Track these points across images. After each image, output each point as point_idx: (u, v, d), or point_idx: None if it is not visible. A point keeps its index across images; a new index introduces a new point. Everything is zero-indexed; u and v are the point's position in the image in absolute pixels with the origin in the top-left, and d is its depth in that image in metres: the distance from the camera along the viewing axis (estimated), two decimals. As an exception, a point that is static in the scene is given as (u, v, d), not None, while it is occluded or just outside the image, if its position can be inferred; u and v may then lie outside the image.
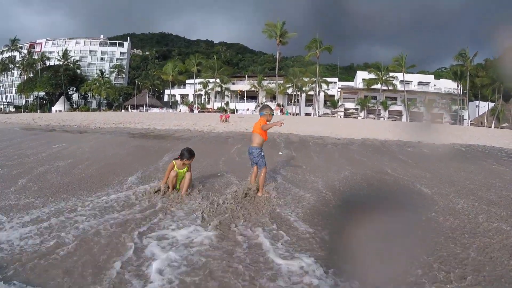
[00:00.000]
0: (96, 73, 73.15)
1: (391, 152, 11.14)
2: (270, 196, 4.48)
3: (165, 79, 61.20)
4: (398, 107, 53.29)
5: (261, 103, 54.10)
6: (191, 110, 52.48)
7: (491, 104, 53.57)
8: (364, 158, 9.07)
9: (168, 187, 4.43)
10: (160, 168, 6.17)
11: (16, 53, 72.86)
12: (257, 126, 4.67)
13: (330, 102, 52.79)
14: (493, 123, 50.54)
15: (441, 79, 58.02)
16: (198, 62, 57.82)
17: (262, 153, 4.66)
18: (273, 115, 4.76)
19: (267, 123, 4.62)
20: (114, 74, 76.20)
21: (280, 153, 9.04)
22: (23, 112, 59.31)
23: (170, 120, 26.12)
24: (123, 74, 78.68)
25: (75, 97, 74.75)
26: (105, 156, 8.17)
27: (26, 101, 72.74)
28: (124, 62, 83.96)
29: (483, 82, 51.33)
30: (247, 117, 35.35)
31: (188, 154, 4.33)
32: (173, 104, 60.91)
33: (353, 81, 58.79)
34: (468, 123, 53.44)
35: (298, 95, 53.36)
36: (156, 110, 55.56)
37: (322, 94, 52.85)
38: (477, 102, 57.01)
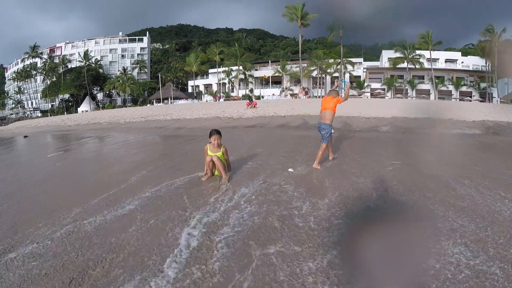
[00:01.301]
0: (119, 71, 74.61)
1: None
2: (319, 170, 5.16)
3: (188, 71, 61.96)
4: (425, 86, 52.26)
5: (286, 88, 54.21)
6: (216, 99, 52.98)
7: (522, 80, 52.03)
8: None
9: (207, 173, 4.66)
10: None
11: (37, 59, 75.12)
12: (328, 103, 5.42)
13: (356, 83, 52.27)
14: (523, 100, 49.13)
15: (468, 56, 56.55)
16: (220, 51, 58.17)
17: (332, 131, 5.41)
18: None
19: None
20: (136, 70, 77.55)
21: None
22: (50, 115, 61.17)
23: (198, 110, 26.55)
24: (145, 69, 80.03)
25: (99, 96, 76.46)
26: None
27: (52, 105, 74.96)
28: (145, 57, 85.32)
29: (512, 57, 49.96)
30: (274, 102, 35.48)
31: (214, 131, 4.47)
32: (197, 95, 61.64)
33: (378, 60, 57.94)
34: (497, 100, 52.04)
35: (323, 77, 53.07)
36: (181, 102, 56.26)
37: (347, 75, 52.39)
38: (506, 79, 55.42)
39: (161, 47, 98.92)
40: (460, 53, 57.93)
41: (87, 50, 75.15)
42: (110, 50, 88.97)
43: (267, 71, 57.42)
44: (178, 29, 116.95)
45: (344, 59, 50.84)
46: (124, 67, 75.03)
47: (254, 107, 24.80)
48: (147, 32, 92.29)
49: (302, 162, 5.82)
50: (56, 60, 77.47)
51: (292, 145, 8.14)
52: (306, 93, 50.37)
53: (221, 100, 51.90)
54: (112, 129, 16.24)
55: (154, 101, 62.04)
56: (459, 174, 4.64)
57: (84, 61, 70.35)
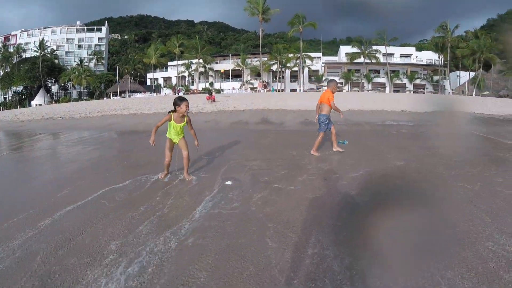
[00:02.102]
0: (75, 62, 70.75)
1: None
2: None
3: (147, 63, 59.80)
4: (381, 79, 53.95)
5: (246, 82, 53.77)
6: (175, 93, 51.64)
7: (472, 74, 54.83)
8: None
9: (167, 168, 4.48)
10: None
11: (-11, 49, 69.45)
12: (325, 97, 5.81)
13: (315, 77, 52.85)
14: (473, 92, 51.88)
15: (422, 51, 58.85)
16: (180, 43, 56.50)
17: (327, 121, 5.80)
18: (337, 87, 6.02)
19: (333, 97, 5.78)
20: (93, 62, 73.87)
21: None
22: (2, 109, 57.08)
23: (156, 104, 25.57)
24: (102, 61, 76.31)
25: (54, 88, 72.21)
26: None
27: (4, 98, 70.02)
28: (103, 48, 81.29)
29: (464, 53, 52.54)
30: (234, 96, 35.07)
31: (183, 98, 4.28)
32: (156, 88, 59.69)
33: (336, 55, 58.89)
34: (449, 92, 54.72)
35: (282, 71, 53.12)
36: (139, 95, 54.26)
37: (306, 69, 52.79)
38: (458, 72, 58.32)
39: (120, 38, 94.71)
40: (414, 48, 60.16)
41: (43, 40, 70.55)
42: (67, 39, 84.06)
43: (227, 65, 56.64)
44: (138, 20, 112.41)
45: (303, 53, 51.09)
46: (80, 58, 71.22)
47: (213, 101, 24.40)
48: (106, 21, 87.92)
49: (258, 157, 5.86)
50: (11, 49, 72.02)
51: (252, 140, 8.19)
52: (265, 87, 50.23)
53: (180, 93, 50.59)
54: (67, 124, 15.10)
55: (111, 95, 59.54)
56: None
57: (40, 51, 65.84)
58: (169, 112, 4.26)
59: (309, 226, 2.83)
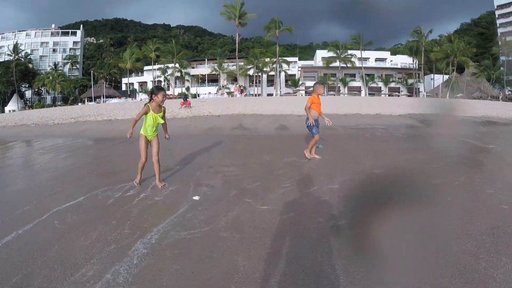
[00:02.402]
0: (49, 66, 68.79)
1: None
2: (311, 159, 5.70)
3: (122, 67, 58.59)
4: (357, 83, 54.59)
5: (223, 86, 53.38)
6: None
7: (445, 77, 56.13)
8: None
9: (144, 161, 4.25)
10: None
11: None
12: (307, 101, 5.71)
13: (291, 81, 52.95)
14: (447, 94, 53.09)
15: (397, 55, 59.96)
16: (156, 48, 55.58)
17: (310, 124, 5.61)
18: (323, 90, 5.86)
19: (316, 101, 5.61)
20: (67, 66, 72.00)
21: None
22: None
23: (131, 110, 24.92)
24: (77, 65, 74.52)
25: (28, 94, 69.92)
26: None
27: (-22, 104, 67.42)
28: (78, 52, 79.43)
29: (438, 56, 53.79)
30: (210, 101, 34.60)
31: (161, 87, 4.23)
32: (131, 93, 58.56)
33: (312, 60, 59.26)
34: (424, 95, 55.81)
35: (259, 76, 53.01)
36: (114, 100, 53.11)
37: (283, 74, 52.88)
38: (432, 75, 59.64)
39: (95, 42, 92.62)
40: (389, 52, 61.20)
41: (17, 43, 68.36)
42: (42, 43, 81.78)
43: (204, 69, 56.09)
44: (114, 23, 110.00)
45: (280, 58, 51.14)
46: (55, 62, 69.25)
47: (189, 106, 23.90)
48: (81, 25, 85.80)
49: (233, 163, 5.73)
50: (-17, 53, 69.53)
51: (226, 145, 8.01)
52: (242, 91, 49.96)
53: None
54: (40, 131, 14.49)
55: (86, 100, 58.08)
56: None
57: (13, 55, 63.70)
58: (146, 104, 4.14)
59: (282, 261, 2.43)
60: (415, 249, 2.55)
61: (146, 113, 4.08)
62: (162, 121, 4.23)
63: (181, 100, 26.71)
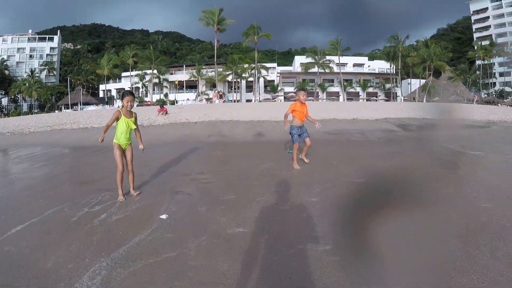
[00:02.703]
0: (26, 73, 67.09)
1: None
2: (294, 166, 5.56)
3: (100, 74, 57.65)
4: (335, 88, 55.07)
5: (202, 92, 53.05)
6: (129, 105, 50.01)
7: (422, 81, 57.26)
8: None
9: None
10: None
11: None
12: None
13: (270, 87, 53.04)
14: (424, 98, 54.08)
15: (375, 60, 60.87)
16: (134, 54, 54.96)
17: (290, 131, 5.67)
18: (304, 97, 5.68)
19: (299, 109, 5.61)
20: (44, 72, 70.38)
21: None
22: None
23: (107, 117, 24.37)
24: (54, 71, 72.97)
25: (4, 101, 67.96)
26: None
27: (-48, 112, 65.09)
28: (55, 58, 77.74)
29: (414, 61, 54.88)
30: (188, 107, 34.20)
31: (127, 92, 4.16)
32: (109, 100, 57.55)
33: (291, 65, 59.56)
34: (401, 99, 56.72)
35: (238, 82, 52.89)
36: (91, 107, 52.11)
37: (262, 79, 52.92)
38: (409, 79, 60.72)
39: (72, 48, 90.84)
40: (367, 58, 62.05)
41: (-7, 49, 66.57)
42: (18, 49, 79.75)
43: (182, 75, 55.63)
44: (92, 29, 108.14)
45: (258, 64, 51.17)
46: (32, 68, 67.57)
47: (165, 113, 23.57)
48: (59, 30, 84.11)
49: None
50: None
51: (202, 152, 7.95)
52: (221, 97, 49.74)
53: (134, 105, 49.15)
54: (15, 140, 14.09)
55: (63, 107, 56.83)
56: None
57: (-11, 61, 62.03)
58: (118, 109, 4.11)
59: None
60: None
61: (118, 118, 4.01)
62: (134, 126, 4.13)
63: (158, 107, 26.52)
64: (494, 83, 70.59)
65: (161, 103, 31.27)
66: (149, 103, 50.15)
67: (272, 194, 4.21)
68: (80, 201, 4.10)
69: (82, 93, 57.05)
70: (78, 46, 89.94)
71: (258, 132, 12.10)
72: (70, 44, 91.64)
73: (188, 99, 51.22)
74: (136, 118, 4.22)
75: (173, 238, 3.00)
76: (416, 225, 3.16)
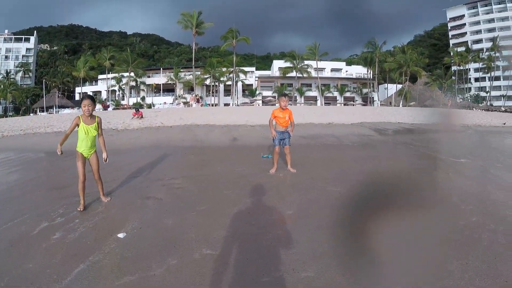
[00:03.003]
0: (1, 74, 65.31)
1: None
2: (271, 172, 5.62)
3: (76, 76, 56.62)
4: (313, 93, 55.67)
5: (179, 96, 52.73)
6: (105, 108, 49.22)
7: (399, 86, 58.37)
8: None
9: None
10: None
11: None
12: None
13: (248, 91, 53.20)
14: (401, 103, 55.13)
15: (352, 65, 61.90)
16: (111, 56, 54.11)
17: (277, 137, 5.59)
18: (285, 103, 5.61)
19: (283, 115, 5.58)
20: (20, 74, 68.66)
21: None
22: None
23: None
24: (30, 73, 71.28)
25: (-21, 104, 66.09)
26: None
27: None
28: (31, 60, 75.82)
29: (391, 66, 55.96)
30: (164, 111, 33.91)
31: (86, 95, 4.05)
32: (85, 103, 56.61)
33: (269, 70, 59.93)
34: (378, 104, 57.76)
35: (216, 85, 52.81)
36: (67, 110, 51.05)
37: (240, 83, 52.99)
38: (385, 84, 61.94)
39: (49, 49, 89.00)
40: (345, 63, 62.98)
41: (-32, 49, 64.54)
42: (-6, 49, 77.73)
43: (159, 78, 55.20)
44: (69, 30, 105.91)
45: (237, 68, 51.22)
46: (7, 70, 65.78)
47: (141, 117, 23.25)
48: (35, 31, 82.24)
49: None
50: None
51: (175, 157, 7.82)
52: (198, 101, 49.49)
53: (110, 109, 48.38)
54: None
55: (38, 110, 55.56)
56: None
57: (-36, 62, 60.01)
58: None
59: None
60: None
61: (77, 125, 3.86)
62: (95, 133, 3.96)
63: (133, 111, 26.17)
64: (470, 88, 72.70)
65: (137, 107, 30.93)
66: (125, 106, 49.54)
67: (245, 206, 4.01)
68: (45, 212, 3.93)
69: (58, 96, 55.93)
70: (55, 47, 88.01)
71: (233, 137, 12.14)
72: (46, 45, 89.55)
73: (165, 103, 50.77)
74: (99, 124, 4.03)
75: (135, 258, 2.75)
76: (398, 236, 3.01)
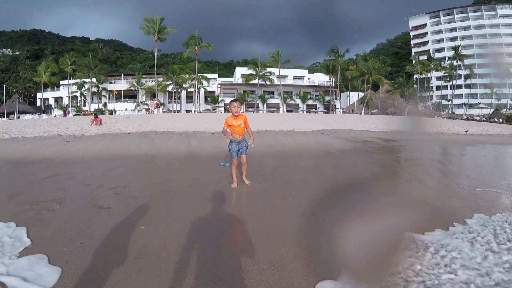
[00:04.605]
0: (-39, 78, 63.63)
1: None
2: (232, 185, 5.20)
3: (37, 81, 55.87)
4: (275, 100, 56.79)
5: (141, 102, 52.86)
6: (66, 114, 48.84)
7: (361, 94, 60.08)
8: None
9: None
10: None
11: None
12: None
13: (211, 98, 53.88)
14: (363, 111, 56.95)
15: (315, 73, 63.48)
16: (73, 61, 53.75)
17: (229, 146, 5.18)
18: (236, 108, 5.08)
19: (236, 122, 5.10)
20: (-19, 78, 67.00)
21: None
22: None
23: (41, 127, 23.65)
24: (-10, 78, 69.62)
25: None
26: None
27: None
28: (-8, 64, 74.32)
29: (353, 74, 57.51)
30: (124, 117, 33.97)
31: None
32: (46, 109, 55.86)
33: (232, 77, 60.79)
34: (340, 111, 59.42)
35: (178, 92, 53.26)
36: (28, 116, 50.36)
37: (202, 90, 53.58)
38: (348, 92, 63.74)
39: (11, 54, 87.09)
40: (307, 70, 64.56)
41: None
42: (-45, 53, 75.44)
43: (121, 85, 55.18)
44: (31, 35, 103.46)
45: (199, 74, 51.83)
46: (-32, 74, 64.22)
47: (100, 123, 23.31)
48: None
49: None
50: None
51: (128, 166, 7.52)
52: (158, 106, 49.70)
53: (70, 115, 48.05)
54: None
55: (-3, 116, 54.51)
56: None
57: None
58: None
59: None
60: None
61: None
62: None
63: (91, 117, 26.24)
64: (432, 96, 75.06)
65: (96, 113, 31.03)
66: (86, 112, 49.28)
67: (199, 215, 3.79)
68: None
69: (19, 101, 54.98)
70: (17, 52, 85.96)
71: (191, 144, 11.95)
72: (8, 50, 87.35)
73: (126, 109, 50.89)
74: None
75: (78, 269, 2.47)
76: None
